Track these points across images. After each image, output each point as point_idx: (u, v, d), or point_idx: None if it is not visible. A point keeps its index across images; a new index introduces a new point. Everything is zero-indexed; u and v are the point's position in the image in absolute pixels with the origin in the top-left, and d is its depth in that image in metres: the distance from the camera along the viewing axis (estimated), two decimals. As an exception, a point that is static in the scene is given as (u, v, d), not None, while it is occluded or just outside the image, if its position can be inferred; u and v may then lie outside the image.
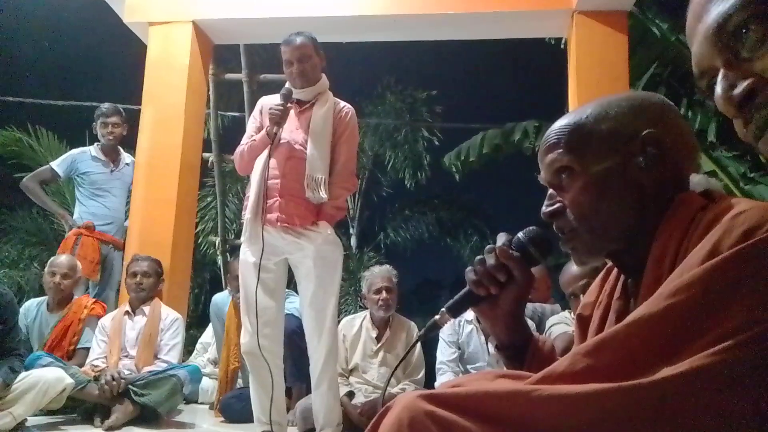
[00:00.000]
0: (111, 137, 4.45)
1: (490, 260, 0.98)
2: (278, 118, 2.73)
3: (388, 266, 3.85)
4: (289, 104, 2.80)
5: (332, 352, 2.81)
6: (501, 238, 1.00)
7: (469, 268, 1.00)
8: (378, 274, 3.71)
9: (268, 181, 2.76)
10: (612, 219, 0.90)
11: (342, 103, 2.95)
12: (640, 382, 0.64)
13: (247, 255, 2.80)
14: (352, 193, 2.93)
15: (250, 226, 2.76)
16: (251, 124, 2.97)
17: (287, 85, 2.89)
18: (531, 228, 0.99)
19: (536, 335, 1.05)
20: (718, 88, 0.67)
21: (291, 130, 2.82)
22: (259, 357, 2.74)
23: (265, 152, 2.78)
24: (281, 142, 2.80)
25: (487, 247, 1.00)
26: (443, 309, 1.00)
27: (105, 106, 4.51)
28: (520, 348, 1.03)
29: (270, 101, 2.94)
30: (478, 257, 1.00)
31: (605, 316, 0.95)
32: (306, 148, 2.79)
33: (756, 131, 0.65)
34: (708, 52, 0.69)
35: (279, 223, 2.74)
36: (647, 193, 0.88)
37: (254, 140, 2.84)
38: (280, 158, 2.78)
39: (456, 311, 1.00)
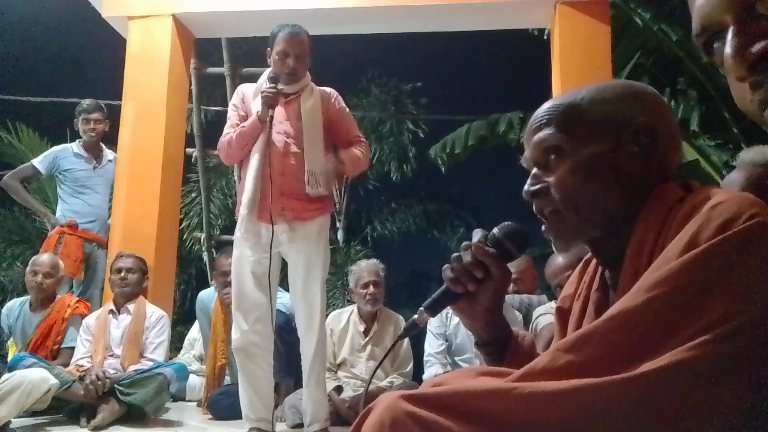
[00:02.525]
0: (93, 134, 4.39)
1: (467, 257, 0.97)
2: (272, 101, 2.69)
3: (375, 260, 3.84)
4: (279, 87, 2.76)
5: (321, 348, 2.81)
6: (476, 235, 1.00)
7: (446, 266, 0.99)
8: (365, 268, 3.69)
9: (269, 178, 2.73)
10: (597, 204, 0.89)
11: (325, 90, 2.95)
12: (620, 377, 0.64)
13: (242, 251, 2.77)
14: (368, 157, 3.01)
15: (246, 223, 2.74)
16: (233, 113, 2.91)
17: (272, 70, 2.83)
18: (506, 223, 0.99)
19: (515, 330, 1.05)
20: (729, 47, 0.62)
21: (280, 121, 2.79)
22: (249, 354, 2.73)
23: (259, 146, 2.74)
24: (272, 134, 2.76)
25: (464, 243, 0.99)
26: (421, 308, 0.99)
27: (86, 102, 4.46)
28: (499, 343, 1.03)
29: (250, 89, 2.90)
30: (455, 254, 0.99)
31: (585, 308, 0.94)
32: (299, 141, 2.77)
33: (765, 97, 0.61)
34: (717, 6, 0.64)
35: (280, 218, 2.73)
36: (634, 182, 0.88)
37: (243, 127, 2.78)
38: (276, 154, 2.75)
39: (434, 309, 1.00)
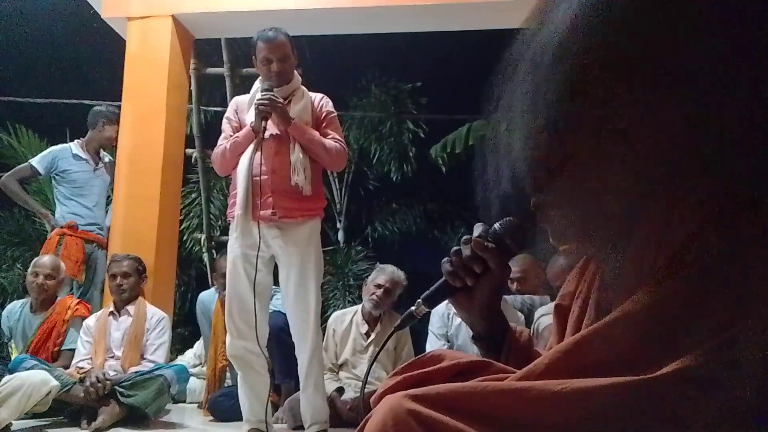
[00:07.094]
0: (110, 144, 4.44)
1: (466, 251, 0.95)
2: (266, 113, 2.69)
3: (403, 274, 3.79)
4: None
5: (317, 353, 2.80)
6: (477, 229, 0.97)
7: (445, 259, 0.97)
8: (388, 272, 3.70)
9: (259, 177, 2.71)
10: None
11: (316, 94, 2.95)
12: (627, 380, 0.63)
13: (237, 254, 2.75)
14: (343, 154, 2.89)
15: (241, 223, 2.72)
16: (227, 125, 2.91)
17: (264, 81, 2.83)
18: (507, 219, 0.95)
19: (513, 325, 1.03)
20: None
21: (273, 126, 2.79)
22: (245, 360, 2.72)
23: (249, 149, 2.74)
24: (265, 138, 2.76)
25: (464, 238, 0.97)
26: (419, 300, 0.98)
27: (111, 108, 4.45)
28: (496, 339, 1.01)
29: (244, 101, 2.91)
30: (455, 248, 0.97)
31: (585, 307, 0.92)
32: (290, 142, 2.77)
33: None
34: None
35: (273, 218, 2.71)
36: None
37: (237, 137, 2.79)
38: (268, 154, 2.74)
39: (432, 302, 0.98)
